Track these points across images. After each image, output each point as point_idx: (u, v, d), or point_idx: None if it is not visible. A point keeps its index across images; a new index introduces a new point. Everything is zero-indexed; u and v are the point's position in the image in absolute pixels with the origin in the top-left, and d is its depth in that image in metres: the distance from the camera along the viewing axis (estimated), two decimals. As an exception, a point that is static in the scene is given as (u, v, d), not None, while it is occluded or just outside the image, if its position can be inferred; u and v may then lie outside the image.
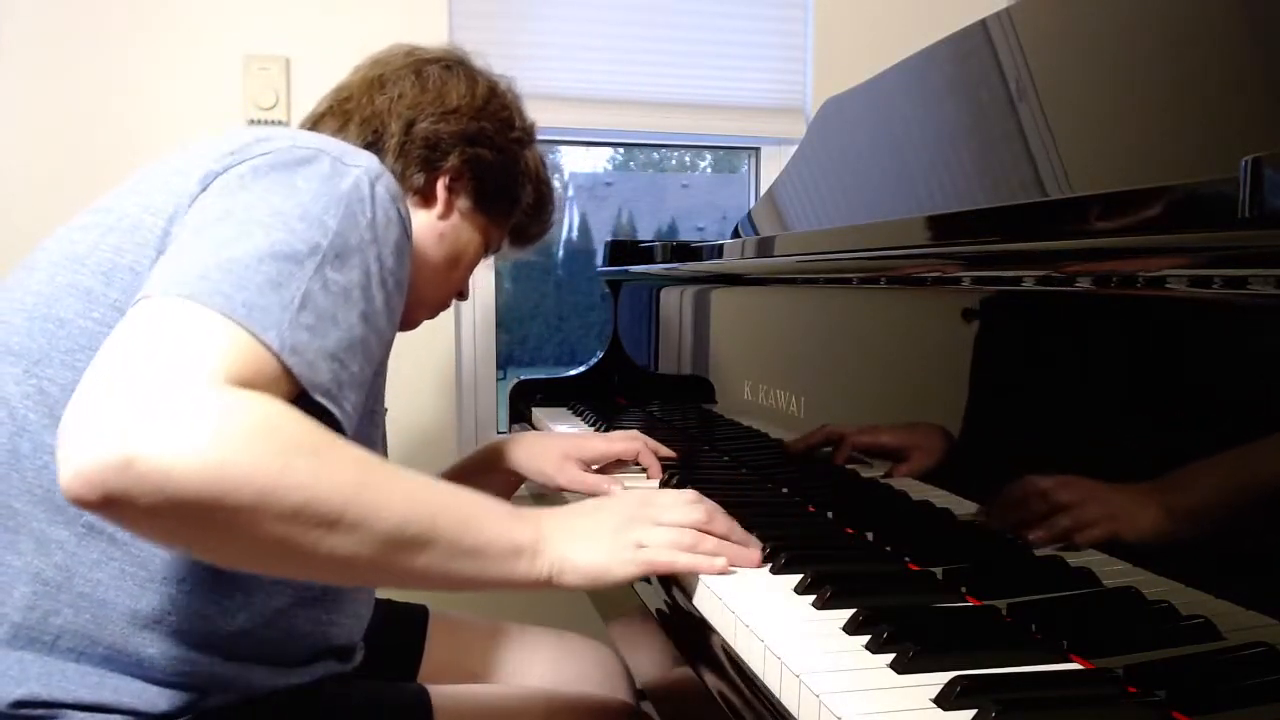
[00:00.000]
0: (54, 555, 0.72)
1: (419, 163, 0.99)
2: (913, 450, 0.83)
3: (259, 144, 0.77)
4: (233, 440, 0.57)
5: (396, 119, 0.99)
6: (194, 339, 0.61)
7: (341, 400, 0.69)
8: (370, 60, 1.05)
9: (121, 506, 0.56)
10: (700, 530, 0.78)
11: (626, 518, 0.77)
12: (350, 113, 1.00)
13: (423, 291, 1.02)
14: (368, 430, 0.85)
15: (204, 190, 0.74)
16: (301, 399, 0.66)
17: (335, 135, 0.97)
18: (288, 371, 0.65)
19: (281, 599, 0.79)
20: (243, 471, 0.57)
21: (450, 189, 1.01)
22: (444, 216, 1.02)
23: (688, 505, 0.79)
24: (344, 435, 0.69)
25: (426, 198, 1.01)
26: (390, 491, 0.64)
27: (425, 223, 1.00)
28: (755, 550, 0.79)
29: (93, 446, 0.55)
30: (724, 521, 0.80)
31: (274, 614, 0.79)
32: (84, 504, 0.56)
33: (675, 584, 0.81)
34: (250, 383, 0.62)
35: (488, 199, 1.05)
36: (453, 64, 1.06)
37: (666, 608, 0.79)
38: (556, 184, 1.18)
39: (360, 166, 0.77)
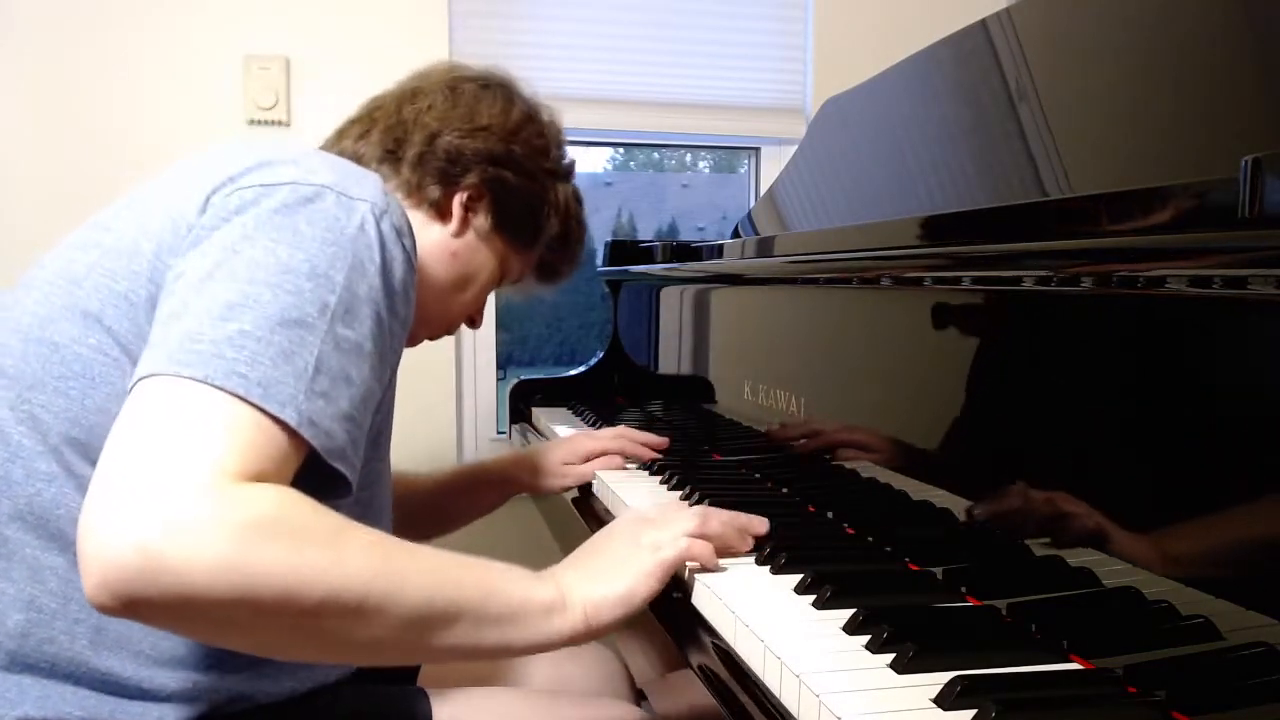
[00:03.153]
0: (48, 582, 0.71)
1: (437, 175, 0.96)
2: (912, 450, 0.83)
3: (260, 172, 0.74)
4: (248, 540, 0.57)
5: (421, 130, 0.96)
6: (208, 429, 0.60)
7: (354, 460, 0.69)
8: (412, 74, 1.03)
9: (143, 610, 0.57)
10: (698, 534, 0.79)
11: (632, 537, 0.79)
12: (377, 120, 0.99)
13: (429, 311, 0.98)
14: (374, 464, 0.84)
15: (202, 216, 0.72)
16: (313, 458, 0.66)
17: (357, 143, 0.97)
18: (305, 442, 0.64)
19: None
20: (261, 571, 0.58)
21: (467, 207, 0.98)
22: (458, 234, 0.98)
23: (681, 511, 0.82)
24: (350, 490, 0.69)
25: (442, 212, 0.97)
26: (408, 572, 0.65)
27: (437, 239, 0.97)
28: (761, 523, 0.84)
29: (112, 554, 0.56)
30: (715, 523, 0.81)
31: None
32: (107, 611, 0.57)
33: (675, 585, 0.81)
34: (265, 466, 0.61)
35: (509, 224, 1.00)
36: (492, 84, 1.02)
37: (667, 608, 0.79)
38: (585, 222, 1.12)
39: (366, 201, 0.74)
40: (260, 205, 0.71)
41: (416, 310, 0.88)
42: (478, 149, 0.96)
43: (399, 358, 0.79)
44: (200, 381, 0.62)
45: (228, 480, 0.59)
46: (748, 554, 0.82)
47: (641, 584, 0.75)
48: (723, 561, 0.80)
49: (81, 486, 0.70)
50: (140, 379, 0.63)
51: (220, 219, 0.71)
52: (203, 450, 0.59)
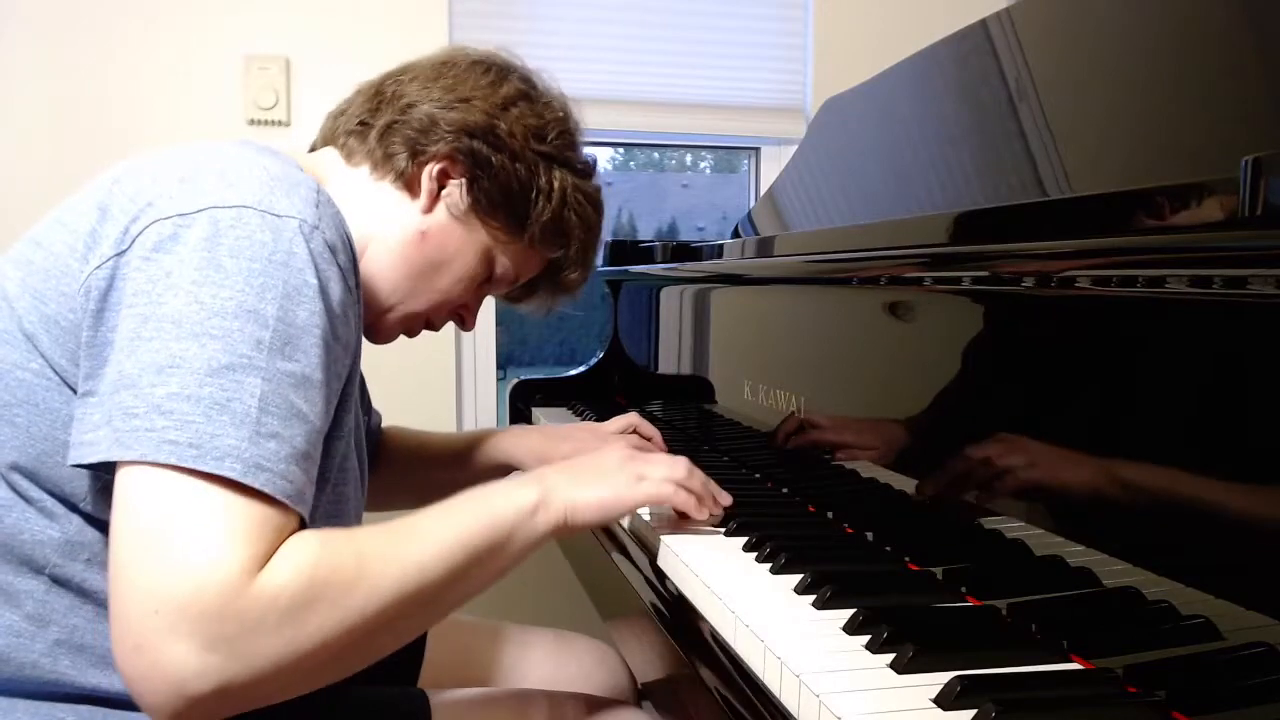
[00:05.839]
0: (24, 605, 0.70)
1: (405, 143, 0.88)
2: (913, 449, 0.83)
3: (179, 194, 0.70)
4: (290, 627, 0.62)
5: (397, 100, 0.89)
6: (178, 529, 0.61)
7: (310, 499, 0.68)
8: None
9: (236, 712, 0.63)
10: (682, 483, 0.87)
11: (621, 459, 0.86)
12: (360, 93, 0.94)
13: (398, 300, 0.91)
14: (340, 487, 0.82)
15: (121, 247, 0.69)
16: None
17: (336, 119, 0.93)
18: (259, 491, 0.63)
19: None
20: (318, 639, 0.63)
21: (439, 181, 0.89)
22: (428, 211, 0.89)
23: (671, 459, 0.88)
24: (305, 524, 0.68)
25: (410, 186, 0.88)
26: (424, 550, 0.69)
27: (406, 218, 0.88)
28: (725, 497, 0.92)
29: (181, 704, 0.60)
30: (700, 476, 0.89)
31: None
32: None
33: (673, 586, 0.81)
34: (251, 530, 0.62)
35: (488, 205, 0.90)
36: (489, 62, 0.94)
37: (666, 607, 0.79)
38: (595, 222, 1.02)
39: (294, 218, 0.70)
40: (180, 241, 0.68)
41: (383, 303, 0.88)
42: (454, 119, 0.88)
43: (343, 383, 0.76)
44: (138, 464, 0.62)
45: (241, 577, 0.60)
46: (715, 527, 0.90)
47: (625, 495, 0.82)
48: (722, 560, 0.80)
49: (44, 511, 0.71)
50: (103, 463, 0.64)
51: (141, 258, 0.68)
52: (199, 557, 0.60)
